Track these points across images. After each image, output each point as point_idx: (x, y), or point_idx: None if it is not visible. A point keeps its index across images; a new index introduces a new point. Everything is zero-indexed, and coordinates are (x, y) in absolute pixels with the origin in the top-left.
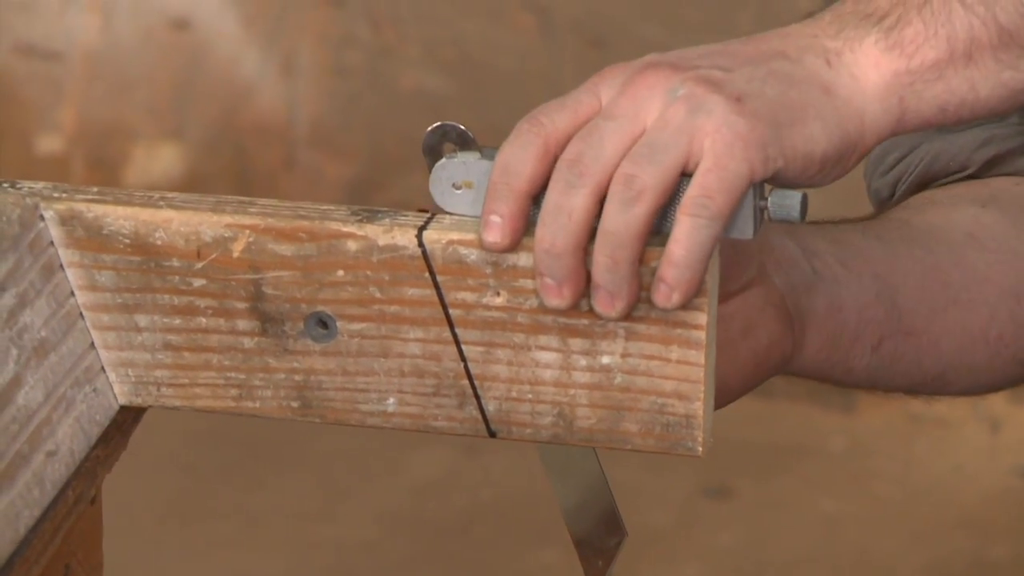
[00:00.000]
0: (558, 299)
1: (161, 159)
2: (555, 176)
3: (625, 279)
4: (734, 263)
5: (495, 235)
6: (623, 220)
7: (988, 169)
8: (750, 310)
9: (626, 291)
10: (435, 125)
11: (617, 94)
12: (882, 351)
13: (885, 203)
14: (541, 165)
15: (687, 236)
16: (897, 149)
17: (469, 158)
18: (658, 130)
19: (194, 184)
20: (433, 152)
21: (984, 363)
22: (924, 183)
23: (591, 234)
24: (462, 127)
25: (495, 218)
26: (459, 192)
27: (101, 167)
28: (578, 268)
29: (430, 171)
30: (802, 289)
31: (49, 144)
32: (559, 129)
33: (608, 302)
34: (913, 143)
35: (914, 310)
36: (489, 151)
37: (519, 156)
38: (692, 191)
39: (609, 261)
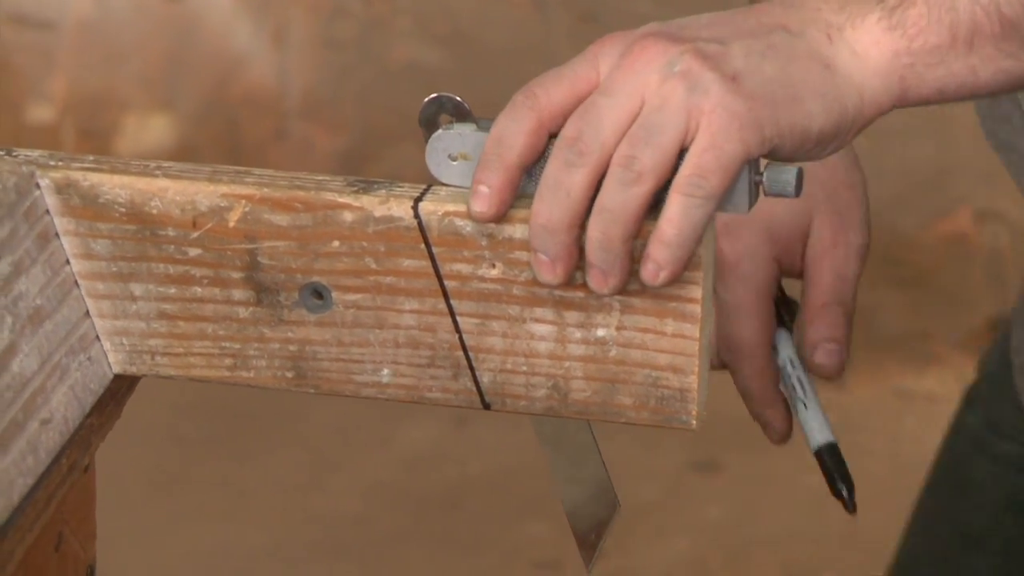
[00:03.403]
0: (551, 275)
1: (152, 129)
2: (555, 153)
3: (618, 257)
4: None
5: (482, 205)
6: (621, 199)
7: None
8: None
9: (618, 269)
10: (432, 96)
11: (614, 67)
12: None
13: None
14: (534, 139)
15: (679, 215)
16: None
17: (465, 130)
18: (655, 110)
19: (185, 155)
20: (429, 123)
21: None
22: None
23: (587, 212)
24: (458, 99)
25: (483, 188)
26: (455, 164)
27: (92, 137)
28: (572, 245)
29: (426, 142)
30: None
31: (40, 114)
32: (554, 103)
33: (601, 279)
34: None
35: None
36: (485, 123)
37: (512, 129)
38: (686, 169)
39: (603, 238)
